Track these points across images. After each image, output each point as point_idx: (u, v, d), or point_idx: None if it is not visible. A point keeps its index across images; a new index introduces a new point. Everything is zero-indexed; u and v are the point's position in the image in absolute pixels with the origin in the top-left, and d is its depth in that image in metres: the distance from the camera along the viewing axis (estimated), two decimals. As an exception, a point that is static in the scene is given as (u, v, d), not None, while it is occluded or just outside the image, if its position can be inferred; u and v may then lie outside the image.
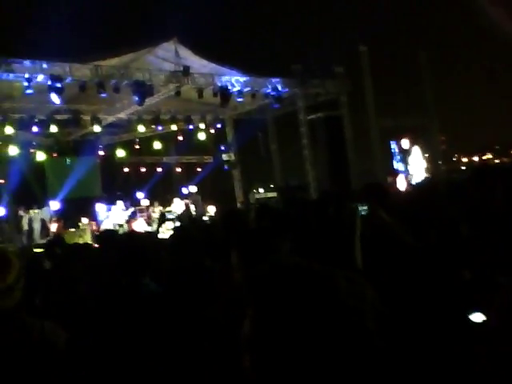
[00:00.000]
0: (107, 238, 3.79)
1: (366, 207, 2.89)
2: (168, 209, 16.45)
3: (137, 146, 19.47)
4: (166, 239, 4.32)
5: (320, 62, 16.52)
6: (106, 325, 2.43)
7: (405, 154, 17.49)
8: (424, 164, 18.35)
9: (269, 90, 15.28)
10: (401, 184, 14.44)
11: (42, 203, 16.07)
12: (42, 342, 1.96)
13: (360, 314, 0.85)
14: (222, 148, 19.76)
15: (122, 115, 16.71)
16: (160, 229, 5.81)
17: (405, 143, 17.56)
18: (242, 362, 0.89)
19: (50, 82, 11.66)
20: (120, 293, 2.53)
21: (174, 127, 17.71)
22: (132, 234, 4.58)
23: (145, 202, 18.07)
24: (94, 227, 15.22)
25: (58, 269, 3.50)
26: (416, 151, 17.77)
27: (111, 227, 14.81)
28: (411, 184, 15.18)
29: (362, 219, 2.76)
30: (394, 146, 17.67)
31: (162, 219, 5.23)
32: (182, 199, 17.90)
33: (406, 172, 17.30)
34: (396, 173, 17.11)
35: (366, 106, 17.27)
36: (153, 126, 17.44)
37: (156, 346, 2.28)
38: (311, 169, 16.14)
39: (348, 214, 2.78)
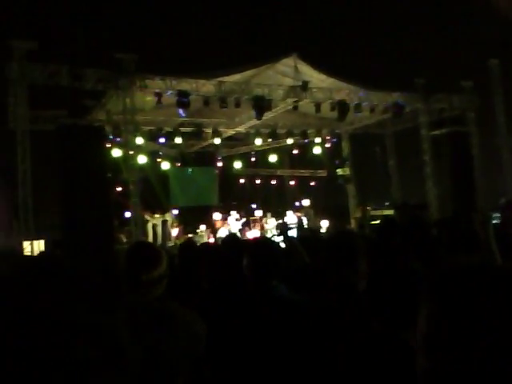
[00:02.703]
0: (233, 240, 3.90)
1: (498, 216, 2.71)
2: (280, 221, 16.61)
3: (253, 159, 20.00)
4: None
5: (446, 76, 15.69)
6: (235, 322, 2.48)
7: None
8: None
9: (389, 105, 14.82)
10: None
11: (165, 209, 17.15)
12: (188, 329, 2.03)
13: None
14: (337, 162, 19.54)
15: (241, 129, 17.28)
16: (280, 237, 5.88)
17: (541, 164, 15.93)
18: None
19: (177, 97, 12.43)
20: (252, 293, 2.58)
21: (289, 141, 17.92)
22: (259, 238, 4.69)
23: (258, 213, 18.45)
24: (211, 234, 15.86)
25: (188, 266, 3.68)
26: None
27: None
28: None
29: (495, 228, 2.58)
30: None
31: (286, 228, 5.27)
32: (294, 212, 17.98)
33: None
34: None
35: (495, 122, 16.01)
36: (269, 140, 17.82)
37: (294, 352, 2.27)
38: (433, 187, 15.29)
39: (480, 220, 2.58)
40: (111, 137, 14.16)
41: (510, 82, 16.10)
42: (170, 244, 14.81)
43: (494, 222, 2.61)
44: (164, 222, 15.71)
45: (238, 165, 19.84)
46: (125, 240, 13.59)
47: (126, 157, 12.90)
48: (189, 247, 4.12)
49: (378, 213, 16.04)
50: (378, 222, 12.96)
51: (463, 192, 14.46)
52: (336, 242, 2.50)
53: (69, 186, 10.52)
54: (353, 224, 17.01)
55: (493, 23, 17.52)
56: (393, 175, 18.44)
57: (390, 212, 15.31)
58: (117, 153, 13.97)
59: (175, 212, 17.69)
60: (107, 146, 13.31)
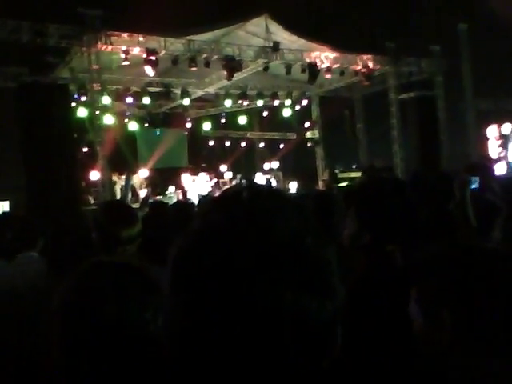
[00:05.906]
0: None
1: (476, 179, 2.70)
2: (250, 183, 16.66)
3: (222, 121, 19.79)
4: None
5: (415, 40, 15.73)
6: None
7: (505, 139, 16.28)
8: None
9: (359, 67, 14.81)
10: (499, 170, 13.50)
11: (132, 170, 16.91)
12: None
13: None
14: (307, 125, 19.57)
15: (210, 89, 17.01)
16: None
17: (506, 128, 16.32)
18: None
19: (145, 55, 12.09)
20: None
21: (259, 103, 17.77)
22: None
23: (228, 175, 18.44)
24: (180, 196, 15.80)
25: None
26: (518, 137, 16.38)
27: (195, 198, 15.30)
28: (512, 171, 14.15)
29: (473, 192, 2.57)
30: (492, 130, 16.49)
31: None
32: (263, 174, 18.04)
33: (506, 159, 16.13)
34: (493, 158, 16.03)
35: (462, 87, 16.27)
36: (239, 101, 17.62)
37: None
38: (399, 150, 15.57)
39: (459, 185, 2.56)
40: (76, 96, 13.72)
41: (477, 46, 16.28)
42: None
43: (473, 186, 2.60)
44: (128, 179, 15.16)
45: (207, 126, 19.61)
46: (92, 201, 13.42)
47: (91, 117, 12.56)
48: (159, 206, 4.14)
49: (346, 175, 16.25)
50: (345, 184, 13.18)
51: (429, 155, 14.78)
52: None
53: (32, 146, 10.23)
54: (321, 186, 17.20)
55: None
56: (361, 138, 18.62)
57: (357, 174, 15.55)
58: (82, 112, 13.58)
59: (144, 173, 17.48)
60: (72, 105, 12.90)
